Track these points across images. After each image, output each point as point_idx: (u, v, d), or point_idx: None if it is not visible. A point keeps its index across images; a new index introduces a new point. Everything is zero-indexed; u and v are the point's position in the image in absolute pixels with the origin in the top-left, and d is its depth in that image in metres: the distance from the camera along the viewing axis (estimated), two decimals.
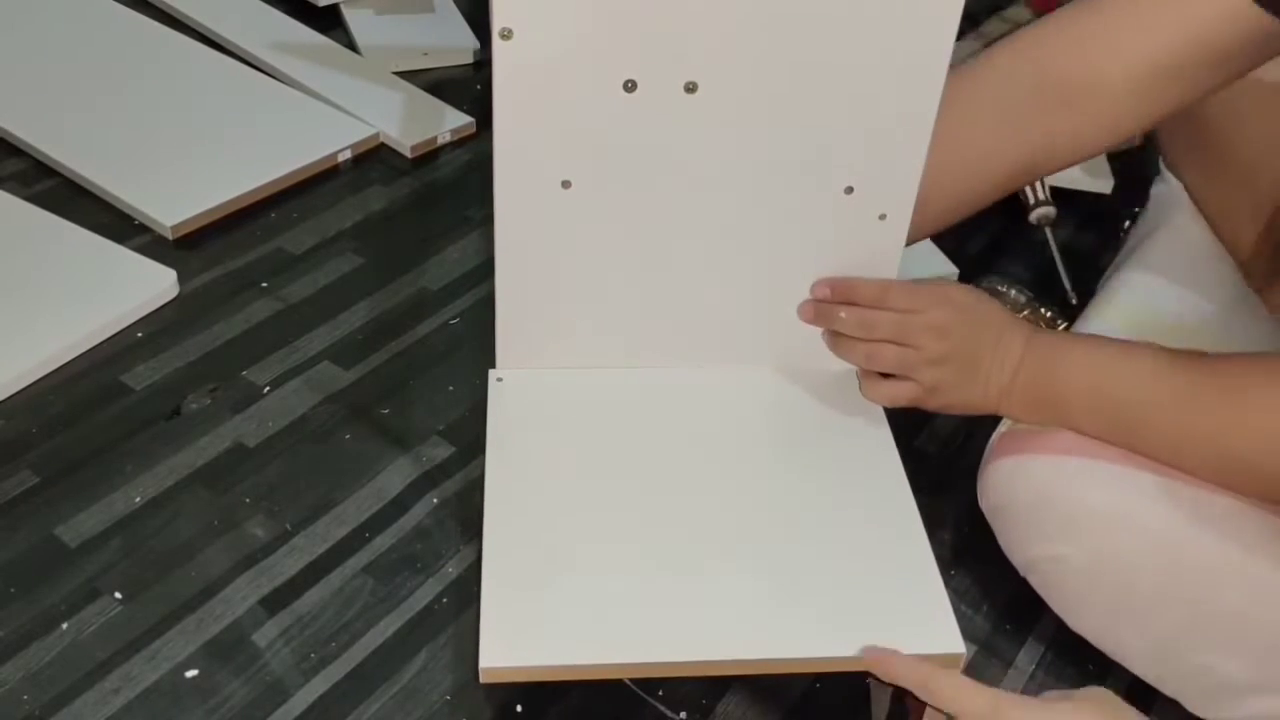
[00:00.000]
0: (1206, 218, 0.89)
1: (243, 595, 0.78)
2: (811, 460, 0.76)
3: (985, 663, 0.79)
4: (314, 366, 0.95)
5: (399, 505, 0.85)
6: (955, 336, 0.75)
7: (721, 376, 0.80)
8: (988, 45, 1.41)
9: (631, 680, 0.75)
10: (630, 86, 0.68)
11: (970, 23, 1.46)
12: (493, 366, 0.79)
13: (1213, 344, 0.82)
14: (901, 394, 0.77)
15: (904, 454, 0.76)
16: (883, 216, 0.75)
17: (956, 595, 0.67)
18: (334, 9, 1.40)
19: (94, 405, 0.90)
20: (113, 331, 0.96)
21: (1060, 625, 0.78)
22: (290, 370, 0.95)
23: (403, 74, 1.31)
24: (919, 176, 0.74)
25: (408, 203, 1.15)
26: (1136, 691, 0.77)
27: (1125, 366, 0.73)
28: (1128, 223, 1.16)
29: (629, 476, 0.73)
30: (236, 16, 1.35)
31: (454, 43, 1.37)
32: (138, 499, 0.83)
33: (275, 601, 0.78)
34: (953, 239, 1.10)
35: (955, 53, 0.68)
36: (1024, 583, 0.78)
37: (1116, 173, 1.19)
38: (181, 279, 1.00)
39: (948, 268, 1.08)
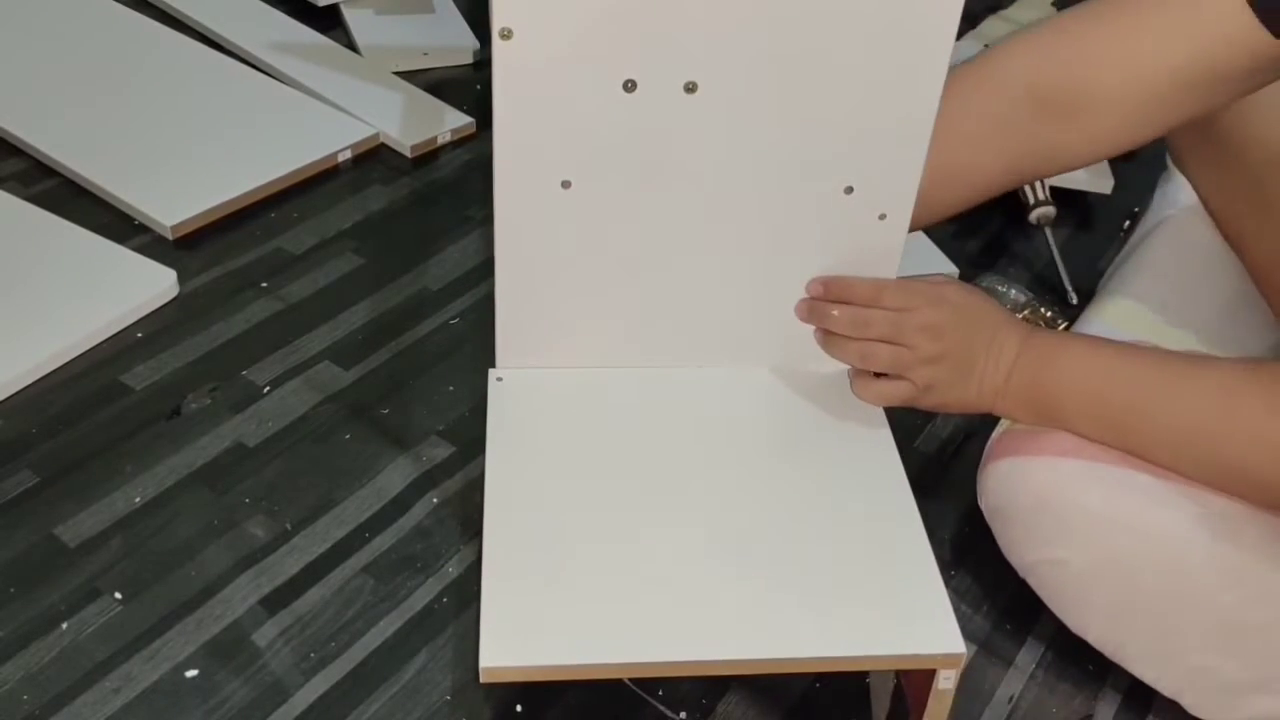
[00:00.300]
0: (1213, 216, 0.89)
1: (243, 595, 0.78)
2: (812, 460, 0.76)
3: (985, 663, 0.79)
4: (314, 366, 0.95)
5: (399, 505, 0.85)
6: (949, 336, 0.75)
7: (722, 376, 0.80)
8: (987, 46, 1.42)
9: (631, 680, 0.75)
10: (630, 86, 0.68)
11: (970, 23, 1.46)
12: (493, 366, 0.79)
13: (1214, 345, 0.82)
14: (894, 393, 0.77)
15: (904, 454, 0.76)
16: (883, 216, 0.75)
17: (956, 595, 0.67)
18: (334, 9, 1.40)
19: (94, 405, 0.90)
20: (113, 331, 0.96)
21: (1060, 625, 0.78)
22: (290, 370, 0.95)
23: (403, 74, 1.31)
24: (919, 176, 0.73)
25: (408, 203, 1.15)
26: (1136, 692, 0.77)
27: (1122, 369, 0.73)
28: (1128, 223, 1.16)
29: (629, 476, 0.73)
30: (236, 16, 1.35)
31: (454, 43, 1.37)
32: (138, 499, 0.83)
33: (275, 601, 0.78)
34: (953, 239, 1.10)
35: (955, 53, 0.68)
36: (1024, 583, 0.78)
37: (1116, 173, 1.19)
38: (181, 279, 1.00)
39: (948, 268, 1.08)
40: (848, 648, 0.65)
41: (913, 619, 0.66)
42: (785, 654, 0.65)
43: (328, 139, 1.17)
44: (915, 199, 0.74)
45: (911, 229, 0.77)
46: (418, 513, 0.84)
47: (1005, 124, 0.78)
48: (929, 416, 0.95)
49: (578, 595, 0.66)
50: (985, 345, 0.76)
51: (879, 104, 0.70)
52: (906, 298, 0.75)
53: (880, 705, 0.75)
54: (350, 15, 1.39)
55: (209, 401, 0.91)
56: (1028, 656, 0.79)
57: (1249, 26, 0.69)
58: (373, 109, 1.23)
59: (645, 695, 0.74)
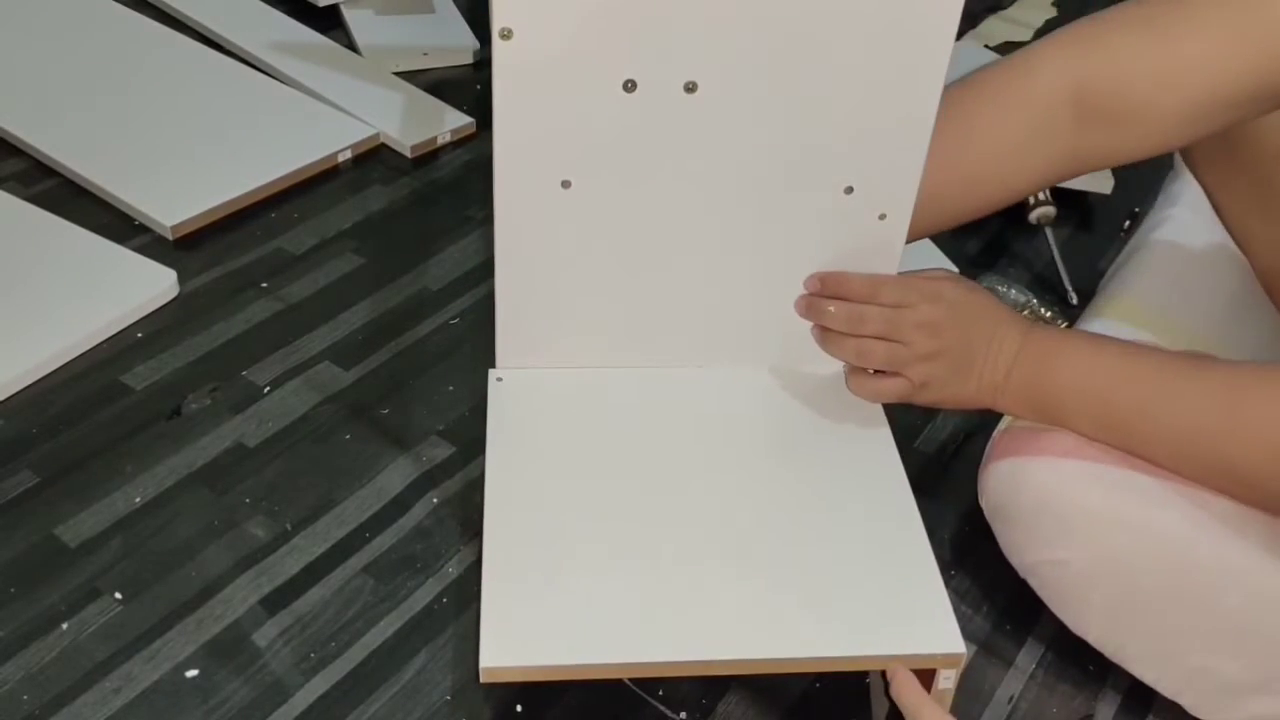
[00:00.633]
0: (1220, 215, 0.89)
1: (243, 595, 0.78)
2: (812, 460, 0.76)
3: (985, 663, 0.79)
4: (314, 366, 0.95)
5: (399, 505, 0.85)
6: (946, 333, 0.75)
7: (722, 376, 0.80)
8: (987, 46, 1.42)
9: (631, 680, 0.75)
10: (630, 86, 0.68)
11: (970, 23, 1.46)
12: (493, 366, 0.79)
13: (1215, 345, 0.82)
14: (891, 390, 0.76)
15: (904, 454, 0.76)
16: (883, 216, 0.75)
17: (956, 595, 0.67)
18: (334, 9, 1.40)
19: (94, 405, 0.90)
20: (113, 331, 0.96)
21: (1060, 625, 0.78)
22: (290, 370, 0.95)
23: (403, 74, 1.31)
24: (919, 176, 0.73)
25: (408, 203, 1.15)
26: (1136, 692, 0.77)
27: (1125, 368, 0.73)
28: (1128, 223, 1.16)
29: (629, 476, 0.73)
30: (236, 16, 1.35)
31: (454, 43, 1.37)
32: (138, 499, 0.83)
33: (275, 601, 0.78)
34: (953, 239, 1.10)
35: (955, 53, 0.68)
36: (1024, 583, 0.78)
37: (1116, 173, 1.19)
38: (181, 279, 1.01)
39: (948, 268, 1.08)
40: (848, 648, 0.65)
41: (913, 619, 0.66)
42: (785, 654, 0.65)
43: (328, 139, 1.17)
44: (915, 199, 0.74)
45: (941, 229, 0.76)
46: (418, 513, 0.84)
47: (1045, 131, 0.77)
48: (929, 416, 0.95)
49: (578, 595, 0.66)
50: (984, 341, 0.75)
51: (879, 104, 0.70)
52: (903, 293, 0.75)
53: (880, 705, 0.75)
54: (350, 15, 1.39)
55: (209, 401, 0.91)
56: (1028, 656, 0.79)
57: None
58: (373, 109, 1.23)
59: (645, 695, 0.74)
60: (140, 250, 1.03)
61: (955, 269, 1.07)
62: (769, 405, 0.79)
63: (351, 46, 1.35)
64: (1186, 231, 0.92)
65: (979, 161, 0.77)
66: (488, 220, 0.92)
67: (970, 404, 0.77)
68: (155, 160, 1.12)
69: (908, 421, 0.82)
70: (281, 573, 0.79)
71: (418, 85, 1.29)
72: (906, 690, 0.63)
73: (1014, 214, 1.11)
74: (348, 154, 1.18)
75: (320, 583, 0.79)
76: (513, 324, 0.77)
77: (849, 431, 0.77)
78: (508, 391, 0.78)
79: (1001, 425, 0.79)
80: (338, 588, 0.79)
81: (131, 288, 0.99)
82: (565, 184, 0.71)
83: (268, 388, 0.93)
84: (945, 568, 0.72)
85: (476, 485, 0.82)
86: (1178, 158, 0.95)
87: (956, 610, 0.66)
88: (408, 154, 1.20)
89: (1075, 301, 1.06)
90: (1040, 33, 1.48)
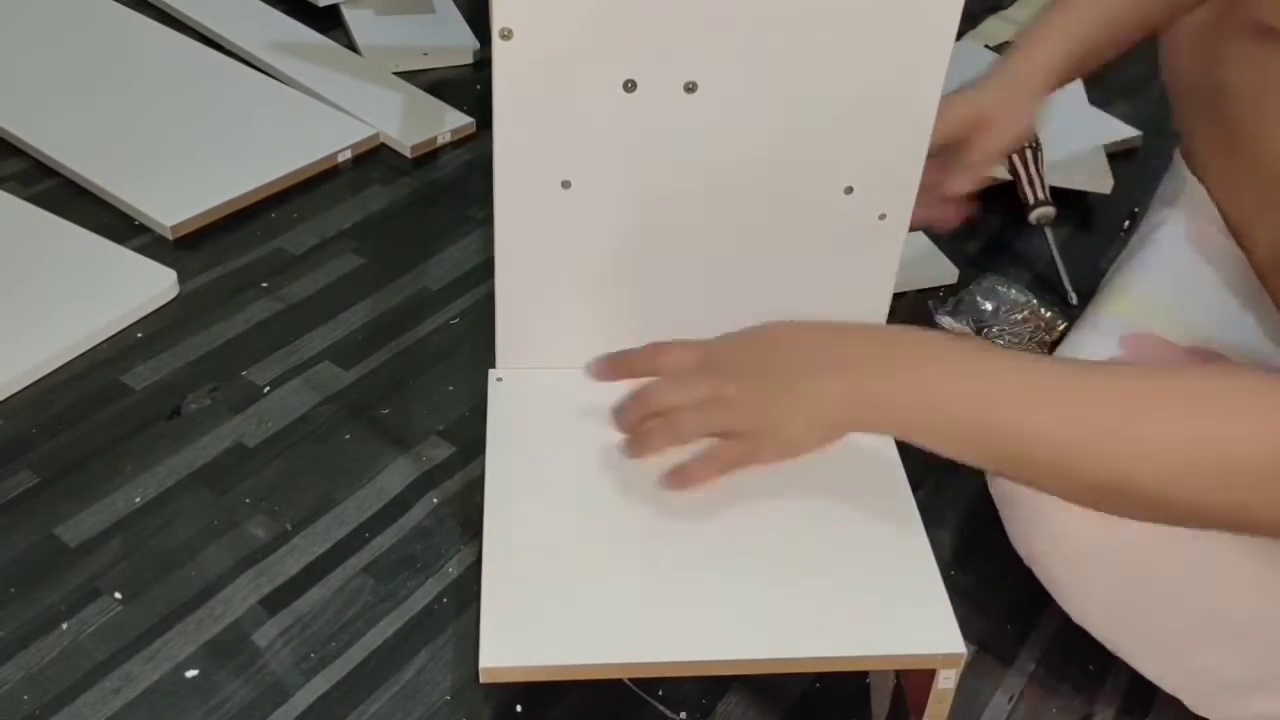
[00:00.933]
0: (1221, 212, 0.88)
1: (243, 595, 0.78)
2: (811, 460, 0.76)
3: (985, 663, 0.79)
4: (314, 366, 0.95)
5: (399, 505, 0.85)
6: (757, 366, 0.69)
7: None
8: (987, 46, 1.42)
9: (631, 680, 0.75)
10: (630, 86, 0.68)
11: (970, 23, 1.46)
12: (493, 366, 0.79)
13: (1216, 343, 0.82)
14: (727, 456, 0.69)
15: (904, 454, 0.76)
16: (883, 216, 0.75)
17: (957, 595, 0.67)
18: (334, 9, 1.40)
19: (94, 405, 0.90)
20: (113, 331, 0.96)
21: (1060, 625, 0.78)
22: (290, 370, 0.95)
23: (403, 74, 1.31)
24: (919, 176, 0.73)
25: (408, 203, 1.15)
26: (1136, 692, 0.77)
27: (1002, 378, 0.64)
28: (1128, 223, 1.16)
29: (629, 476, 0.73)
30: (236, 16, 1.35)
31: (454, 43, 1.37)
32: (138, 499, 0.83)
33: (275, 601, 0.78)
34: (953, 239, 1.10)
35: (955, 53, 0.68)
36: (1025, 582, 0.78)
37: (1116, 173, 1.19)
38: (181, 279, 1.01)
39: (948, 268, 1.08)
40: (848, 648, 0.65)
41: (913, 619, 0.66)
42: (785, 654, 0.65)
43: (328, 139, 1.18)
44: (916, 198, 0.74)
45: (1115, 56, 0.89)
46: (418, 513, 0.84)
47: None
48: None
49: (578, 595, 0.66)
50: (809, 349, 0.69)
51: (879, 104, 0.70)
52: (681, 353, 0.72)
53: (880, 705, 0.75)
54: (350, 15, 1.39)
55: (209, 401, 0.91)
56: (1028, 656, 0.79)
57: None
58: (373, 109, 1.23)
59: (645, 695, 0.74)
60: (140, 250, 1.03)
61: (955, 270, 1.07)
62: None
63: (351, 46, 1.35)
64: (1186, 230, 0.92)
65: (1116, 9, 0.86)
66: (488, 220, 0.92)
67: (836, 425, 0.68)
68: (155, 160, 1.12)
69: None
70: (281, 573, 0.79)
71: (418, 85, 1.29)
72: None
73: (1014, 214, 1.11)
74: (348, 154, 1.18)
75: (320, 583, 0.79)
76: (513, 324, 0.77)
77: None
78: (508, 391, 0.78)
79: None
80: (338, 588, 0.79)
81: (131, 288, 0.99)
82: (565, 184, 0.71)
83: (268, 388, 0.93)
84: (945, 567, 0.72)
85: (476, 485, 0.82)
86: (1177, 157, 0.95)
87: (956, 610, 0.66)
88: (408, 154, 1.20)
89: (1075, 301, 1.06)
90: None
